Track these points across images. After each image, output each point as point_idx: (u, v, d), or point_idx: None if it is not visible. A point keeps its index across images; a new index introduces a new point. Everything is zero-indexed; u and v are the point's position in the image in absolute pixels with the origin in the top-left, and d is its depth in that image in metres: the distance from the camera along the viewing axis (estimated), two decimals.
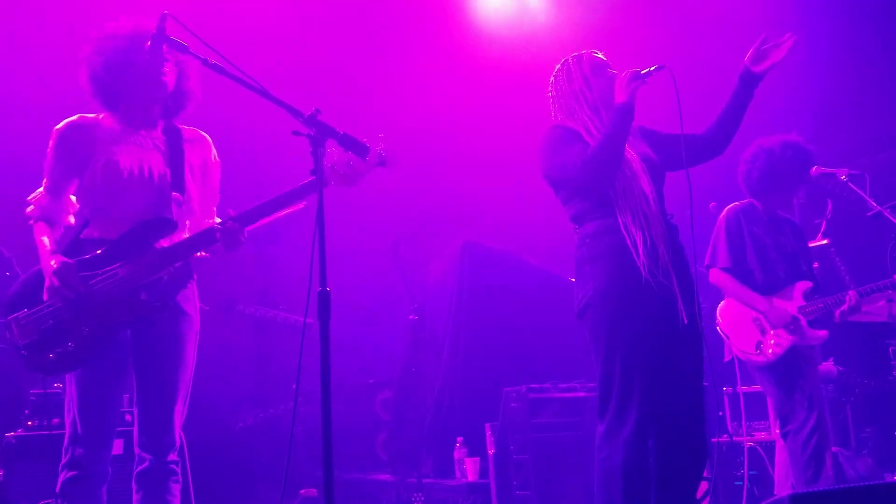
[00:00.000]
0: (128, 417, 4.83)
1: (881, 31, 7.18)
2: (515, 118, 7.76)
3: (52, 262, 3.25)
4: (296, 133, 2.83)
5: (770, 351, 4.75)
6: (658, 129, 3.96)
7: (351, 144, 2.90)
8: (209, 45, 3.05)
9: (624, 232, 3.54)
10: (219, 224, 3.39)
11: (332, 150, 3.08)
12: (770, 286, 4.90)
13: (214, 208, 3.70)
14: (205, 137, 3.70)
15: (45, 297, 3.23)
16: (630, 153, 3.69)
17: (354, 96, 7.28)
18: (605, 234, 3.62)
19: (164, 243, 3.38)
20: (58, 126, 3.48)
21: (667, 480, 3.47)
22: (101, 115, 3.52)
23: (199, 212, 3.60)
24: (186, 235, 3.47)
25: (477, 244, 7.35)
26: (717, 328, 5.05)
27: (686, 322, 3.49)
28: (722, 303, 5.08)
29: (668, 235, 3.59)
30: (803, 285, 4.89)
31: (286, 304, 7.42)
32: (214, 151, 3.71)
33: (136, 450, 3.40)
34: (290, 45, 7.12)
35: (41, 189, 3.50)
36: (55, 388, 5.09)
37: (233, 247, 3.39)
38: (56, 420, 4.97)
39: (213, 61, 3.01)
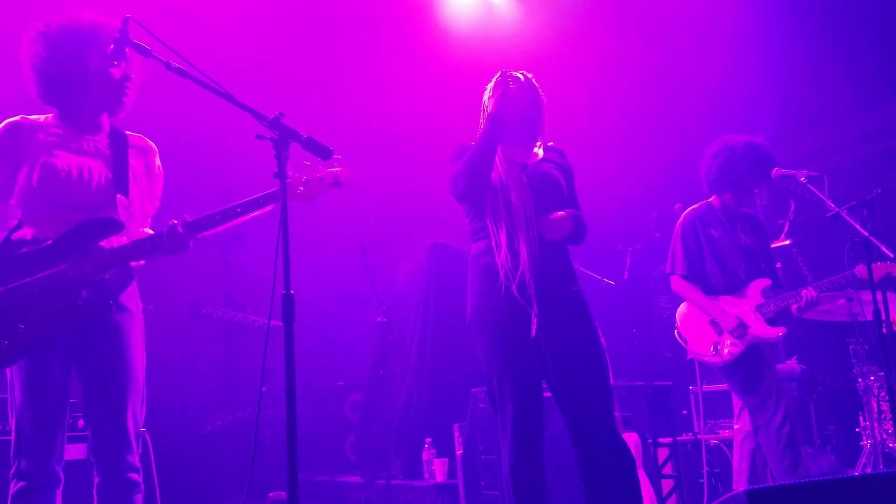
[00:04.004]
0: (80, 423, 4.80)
1: (840, 34, 7.29)
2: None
3: None
4: (259, 137, 2.82)
5: (726, 351, 4.86)
6: (569, 172, 3.94)
7: (314, 148, 2.91)
8: (172, 49, 3.04)
9: (493, 246, 3.65)
10: (167, 229, 3.32)
11: (290, 171, 3.08)
12: (730, 287, 5.00)
13: (150, 219, 3.64)
14: (151, 146, 3.66)
15: None
16: (510, 167, 3.74)
17: (320, 99, 7.28)
18: (479, 257, 3.75)
19: (105, 244, 3.31)
20: None
21: (594, 485, 3.53)
22: (44, 117, 3.48)
23: (140, 218, 3.56)
24: (126, 240, 3.39)
25: (444, 245, 7.36)
26: (675, 332, 5.17)
27: (534, 334, 3.53)
28: (681, 306, 5.19)
29: (536, 248, 3.61)
30: (761, 283, 4.98)
31: (253, 307, 7.41)
32: (159, 161, 3.67)
33: (91, 457, 3.32)
34: (254, 47, 7.10)
35: None
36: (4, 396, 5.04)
37: (177, 252, 3.34)
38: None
39: (177, 65, 2.99)
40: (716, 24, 7.39)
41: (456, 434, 5.93)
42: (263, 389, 3.07)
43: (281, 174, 2.77)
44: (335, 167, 3.32)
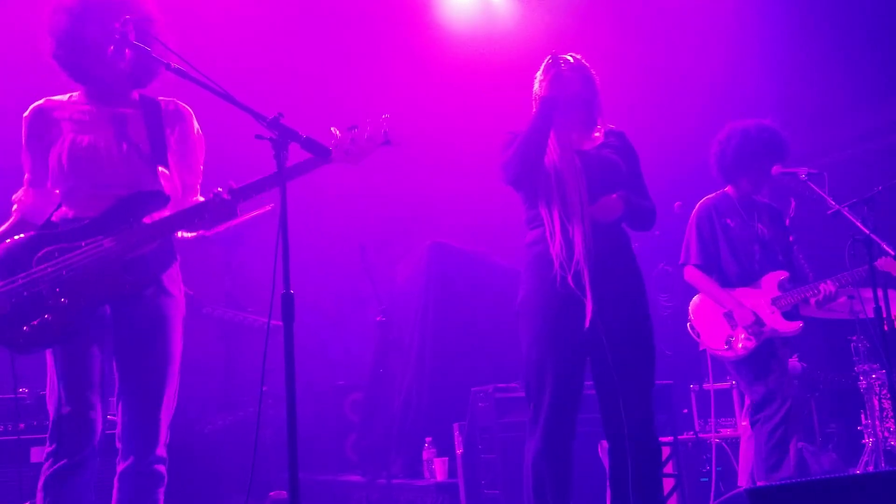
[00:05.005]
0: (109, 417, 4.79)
1: (840, 32, 7.28)
2: (481, 118, 7.79)
3: None
4: (258, 137, 2.80)
5: (740, 346, 4.78)
6: (631, 154, 3.87)
7: (313, 147, 2.89)
8: (171, 49, 3.04)
9: (548, 235, 3.60)
10: (212, 196, 3.22)
11: (336, 130, 3.09)
12: (745, 278, 4.92)
13: (198, 186, 3.52)
14: (185, 110, 3.53)
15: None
16: (564, 152, 3.68)
17: (319, 98, 7.27)
18: (532, 245, 3.70)
19: (149, 220, 3.22)
20: (25, 113, 3.36)
21: (624, 480, 3.52)
22: (69, 96, 3.39)
23: (182, 189, 3.44)
24: (168, 213, 3.29)
25: (444, 245, 7.36)
26: (688, 325, 5.07)
27: (588, 326, 3.49)
28: (695, 299, 5.09)
29: (591, 235, 3.55)
30: (777, 275, 4.90)
31: (254, 307, 7.40)
32: (197, 125, 3.54)
33: (118, 444, 3.25)
34: (254, 47, 7.10)
35: (23, 187, 3.38)
36: (20, 392, 5.05)
37: (224, 221, 3.26)
38: (22, 425, 4.93)
39: (176, 65, 2.99)
40: (715, 23, 7.38)
41: (456, 433, 5.92)
42: (264, 389, 3.06)
43: (280, 174, 2.77)
44: (384, 125, 3.24)
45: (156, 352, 3.27)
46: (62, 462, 3.09)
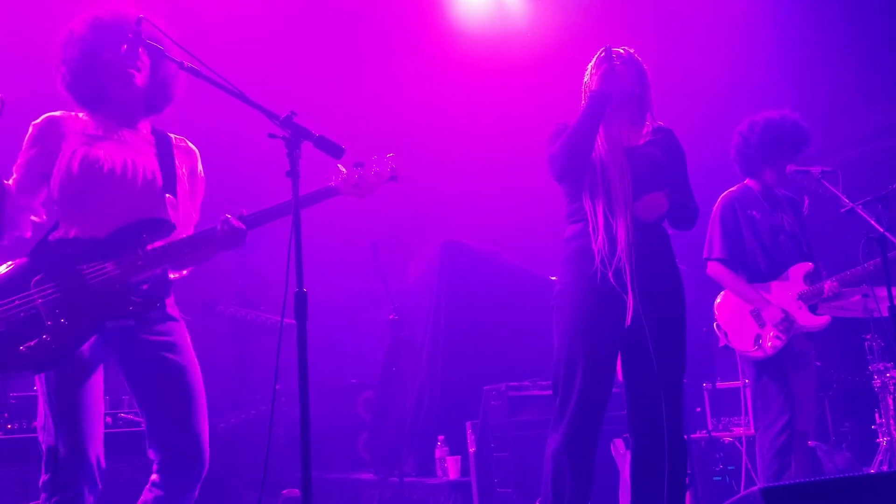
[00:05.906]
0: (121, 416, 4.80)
1: (853, 29, 7.25)
2: (494, 117, 7.80)
3: None
4: (271, 136, 2.80)
5: (769, 345, 4.70)
6: (678, 152, 3.83)
7: (326, 146, 2.89)
8: (184, 48, 3.04)
9: (591, 230, 3.56)
10: (221, 223, 3.18)
11: (343, 165, 3.15)
12: (773, 271, 4.84)
13: (193, 226, 3.45)
14: (193, 149, 3.52)
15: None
16: (612, 148, 3.64)
17: (333, 98, 7.28)
18: (573, 239, 3.66)
19: (153, 246, 3.17)
20: (36, 121, 3.26)
21: (643, 479, 3.51)
22: (83, 114, 3.32)
23: (184, 223, 3.39)
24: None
25: (456, 243, 7.36)
26: (715, 326, 4.98)
27: (629, 323, 3.46)
28: (719, 296, 5.01)
29: (634, 232, 3.52)
30: (804, 268, 4.83)
31: (267, 305, 7.42)
32: (201, 166, 3.53)
33: (156, 475, 3.22)
34: (267, 47, 7.12)
35: (10, 181, 3.21)
36: (35, 391, 5.07)
37: (234, 247, 3.22)
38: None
39: (189, 64, 2.99)
40: (728, 21, 7.37)
41: (468, 431, 5.93)
42: (277, 387, 3.06)
43: (293, 173, 2.77)
44: (391, 161, 3.33)
45: (185, 388, 3.26)
46: (55, 499, 3.00)
